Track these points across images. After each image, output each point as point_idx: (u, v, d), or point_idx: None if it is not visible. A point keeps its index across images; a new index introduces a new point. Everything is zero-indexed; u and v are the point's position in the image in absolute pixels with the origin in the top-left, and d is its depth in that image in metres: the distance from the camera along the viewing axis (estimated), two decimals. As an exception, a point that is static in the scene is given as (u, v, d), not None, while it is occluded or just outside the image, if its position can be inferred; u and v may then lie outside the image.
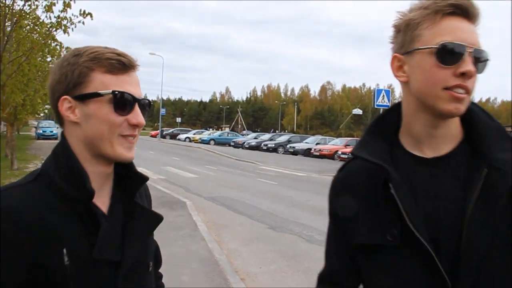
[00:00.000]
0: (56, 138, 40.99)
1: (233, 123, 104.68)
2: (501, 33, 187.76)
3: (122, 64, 1.17)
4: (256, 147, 40.30)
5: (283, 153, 36.34)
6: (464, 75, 1.06)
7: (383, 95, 19.74)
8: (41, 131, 42.08)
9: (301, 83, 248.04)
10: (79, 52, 1.17)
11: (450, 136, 1.17)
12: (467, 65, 1.06)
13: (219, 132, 58.45)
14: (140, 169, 1.31)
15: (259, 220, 9.75)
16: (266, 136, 46.35)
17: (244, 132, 70.58)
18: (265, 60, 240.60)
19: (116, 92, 1.14)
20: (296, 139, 39.79)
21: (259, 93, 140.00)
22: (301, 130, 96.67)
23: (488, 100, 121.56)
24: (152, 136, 64.01)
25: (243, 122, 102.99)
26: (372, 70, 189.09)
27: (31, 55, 10.22)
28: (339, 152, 29.11)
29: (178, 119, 77.78)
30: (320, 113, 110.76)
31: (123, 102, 1.15)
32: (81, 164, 1.16)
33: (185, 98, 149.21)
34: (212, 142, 48.40)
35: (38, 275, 1.06)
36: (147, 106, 1.24)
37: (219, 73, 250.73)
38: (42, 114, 29.65)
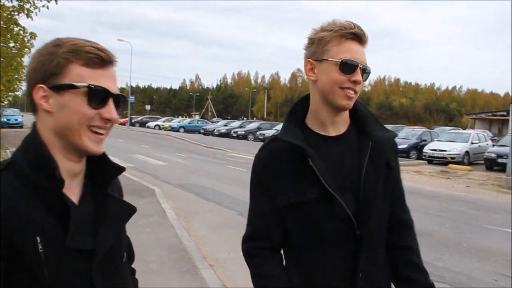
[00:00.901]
0: (21, 127, 40.04)
1: (203, 111, 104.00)
2: (470, 24, 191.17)
3: (100, 59, 1.19)
4: (226, 135, 40.24)
5: (253, 140, 36.35)
6: (355, 82, 1.55)
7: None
8: (5, 120, 40.90)
9: (271, 71, 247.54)
10: (60, 43, 1.20)
11: (345, 121, 1.66)
12: (358, 76, 1.54)
13: (189, 120, 58.09)
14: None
15: (229, 206, 9.80)
16: (236, 123, 46.27)
17: (214, 119, 70.20)
18: (236, 47, 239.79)
19: (92, 86, 1.17)
20: (266, 126, 39.84)
21: (229, 80, 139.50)
22: (272, 118, 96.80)
23: (454, 88, 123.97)
24: (120, 124, 63.12)
25: (213, 110, 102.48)
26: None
27: (-8, 40, 9.92)
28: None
29: (148, 107, 76.93)
30: (291, 100, 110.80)
31: (97, 96, 1.18)
32: (50, 152, 1.18)
33: (154, 85, 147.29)
34: (182, 129, 48.11)
35: (15, 263, 1.09)
36: (121, 102, 1.26)
37: (189, 60, 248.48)
38: (6, 102, 28.81)
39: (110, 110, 1.21)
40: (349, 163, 1.60)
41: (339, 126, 1.65)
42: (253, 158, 1.72)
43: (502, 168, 17.50)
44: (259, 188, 1.67)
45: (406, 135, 26.72)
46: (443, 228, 8.82)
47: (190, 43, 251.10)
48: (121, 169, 1.32)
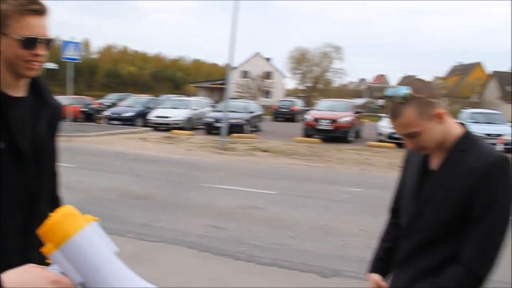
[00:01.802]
0: None
1: None
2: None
3: None
4: None
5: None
6: (37, 56, 1.67)
7: (73, 48, 19.33)
8: None
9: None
10: None
11: (25, 86, 1.76)
12: (39, 50, 1.67)
13: None
14: None
15: None
16: None
17: None
18: None
19: None
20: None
21: None
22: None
23: (181, 58, 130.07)
24: None
25: None
26: (72, 22, 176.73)
27: None
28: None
29: None
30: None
31: None
32: None
33: None
34: None
35: None
36: None
37: None
38: None
39: None
40: (28, 124, 1.72)
41: (20, 89, 1.74)
42: None
43: (218, 131, 19.17)
44: None
45: (132, 103, 26.99)
46: (163, 191, 9.21)
47: None
48: None
